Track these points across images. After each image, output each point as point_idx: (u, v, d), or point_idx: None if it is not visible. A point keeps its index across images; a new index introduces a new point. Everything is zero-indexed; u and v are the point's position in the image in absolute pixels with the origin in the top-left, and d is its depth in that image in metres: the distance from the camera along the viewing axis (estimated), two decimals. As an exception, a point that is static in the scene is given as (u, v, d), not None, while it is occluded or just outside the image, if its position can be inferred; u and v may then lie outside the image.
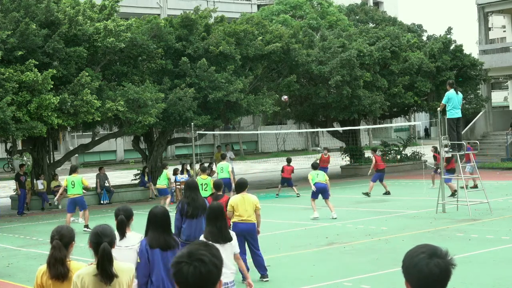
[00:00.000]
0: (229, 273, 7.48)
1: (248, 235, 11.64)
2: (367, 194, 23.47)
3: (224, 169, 23.26)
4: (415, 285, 3.11)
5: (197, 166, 25.43)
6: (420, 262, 3.08)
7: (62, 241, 5.88)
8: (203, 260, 2.91)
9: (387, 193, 23.85)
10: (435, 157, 23.54)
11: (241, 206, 11.62)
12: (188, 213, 10.48)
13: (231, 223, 11.86)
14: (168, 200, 23.29)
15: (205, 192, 18.14)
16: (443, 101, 18.96)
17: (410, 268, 3.11)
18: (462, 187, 22.02)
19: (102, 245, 5.48)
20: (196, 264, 2.90)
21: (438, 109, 20.22)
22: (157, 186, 23.76)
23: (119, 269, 5.47)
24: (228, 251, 7.63)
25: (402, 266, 3.18)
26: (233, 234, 8.03)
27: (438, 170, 22.27)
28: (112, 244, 5.56)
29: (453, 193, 21.15)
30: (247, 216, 11.60)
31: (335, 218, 18.49)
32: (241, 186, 11.90)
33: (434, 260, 3.08)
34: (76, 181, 19.10)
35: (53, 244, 5.86)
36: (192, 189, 10.86)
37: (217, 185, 12.78)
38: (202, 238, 7.78)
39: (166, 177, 23.46)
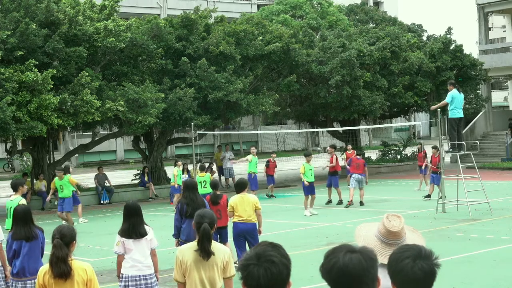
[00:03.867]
0: (141, 266, 8.09)
1: (249, 235, 11.66)
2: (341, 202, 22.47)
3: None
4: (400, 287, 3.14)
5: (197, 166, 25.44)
6: (405, 268, 3.10)
7: (63, 240, 5.92)
8: (273, 261, 2.88)
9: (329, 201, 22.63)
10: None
11: (241, 206, 11.64)
12: (187, 213, 10.52)
13: (232, 223, 11.90)
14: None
15: (205, 189, 18.18)
16: (447, 100, 18.80)
17: (396, 273, 3.13)
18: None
19: (203, 225, 6.17)
20: (266, 265, 2.86)
21: (439, 104, 20.25)
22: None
23: (216, 248, 6.17)
24: (144, 246, 8.12)
25: (388, 269, 3.19)
26: (150, 229, 8.28)
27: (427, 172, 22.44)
28: (212, 225, 6.26)
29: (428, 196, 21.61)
30: (247, 216, 11.61)
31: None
32: (241, 186, 11.92)
33: (418, 264, 3.10)
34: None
35: (54, 243, 5.90)
36: (191, 189, 10.90)
37: (214, 185, 12.83)
38: (117, 235, 8.25)
39: (173, 174, 23.45)
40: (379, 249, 4.28)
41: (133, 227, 8.12)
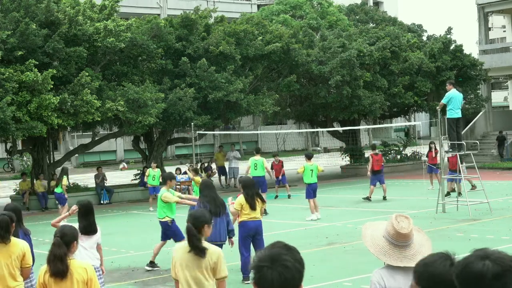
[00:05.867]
0: (94, 258, 8.83)
1: (257, 232, 11.73)
2: (367, 198, 22.45)
3: (258, 165, 21.69)
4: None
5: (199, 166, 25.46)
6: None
7: (63, 239, 5.92)
8: (286, 266, 2.84)
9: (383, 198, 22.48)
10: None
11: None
12: (210, 211, 10.48)
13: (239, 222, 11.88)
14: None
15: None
16: (444, 101, 18.81)
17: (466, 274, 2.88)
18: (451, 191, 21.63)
19: (186, 225, 6.14)
20: (280, 269, 2.82)
21: (438, 108, 20.16)
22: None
23: (208, 248, 6.13)
24: (94, 240, 8.91)
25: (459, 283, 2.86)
26: (98, 226, 9.07)
27: (439, 170, 22.07)
28: (197, 225, 6.16)
29: (459, 194, 20.86)
30: (256, 214, 11.72)
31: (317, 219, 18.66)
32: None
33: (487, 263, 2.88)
34: None
35: (54, 241, 5.91)
36: (210, 188, 11.14)
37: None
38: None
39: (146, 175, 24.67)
40: (386, 250, 4.26)
41: (90, 225, 8.86)
